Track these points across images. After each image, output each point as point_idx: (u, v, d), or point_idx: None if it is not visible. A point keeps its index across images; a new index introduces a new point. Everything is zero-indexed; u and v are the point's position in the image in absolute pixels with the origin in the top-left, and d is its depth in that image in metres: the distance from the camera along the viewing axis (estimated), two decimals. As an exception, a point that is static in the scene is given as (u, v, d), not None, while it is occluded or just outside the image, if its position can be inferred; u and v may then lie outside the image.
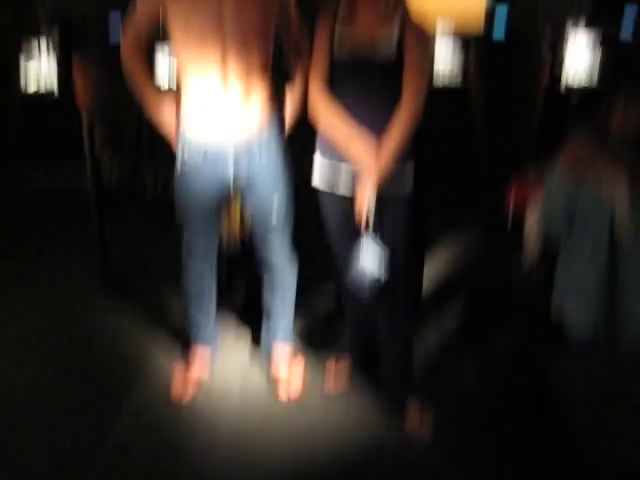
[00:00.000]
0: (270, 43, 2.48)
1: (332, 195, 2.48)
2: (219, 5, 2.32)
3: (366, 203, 2.34)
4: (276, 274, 2.75)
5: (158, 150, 2.67)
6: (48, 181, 5.85)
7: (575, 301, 2.68)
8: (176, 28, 2.37)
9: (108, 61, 2.85)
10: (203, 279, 2.76)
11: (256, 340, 3.09)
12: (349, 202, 2.42)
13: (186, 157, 2.51)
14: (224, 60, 2.36)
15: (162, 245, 3.80)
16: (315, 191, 2.55)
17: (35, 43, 6.58)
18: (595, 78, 6.55)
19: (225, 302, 3.14)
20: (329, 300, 3.54)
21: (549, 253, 2.79)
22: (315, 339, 3.18)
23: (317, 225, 2.60)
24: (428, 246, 3.36)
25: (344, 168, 2.40)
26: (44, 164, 5.99)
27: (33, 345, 3.19)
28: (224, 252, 3.15)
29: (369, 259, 2.38)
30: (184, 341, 2.98)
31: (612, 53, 6.65)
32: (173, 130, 2.56)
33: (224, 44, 2.35)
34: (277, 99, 2.59)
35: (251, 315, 3.14)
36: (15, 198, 5.59)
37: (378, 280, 2.40)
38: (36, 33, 7.15)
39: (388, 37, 2.27)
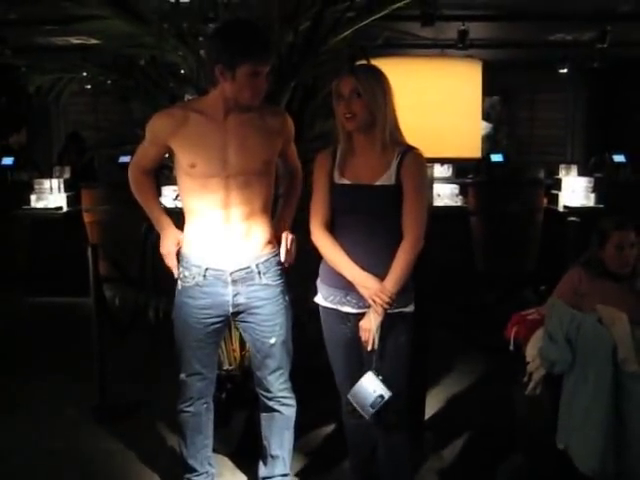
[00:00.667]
0: (272, 180, 2.59)
1: (336, 312, 2.48)
2: (223, 149, 2.43)
3: (373, 324, 2.35)
4: (274, 407, 2.71)
5: (161, 283, 2.73)
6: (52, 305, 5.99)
7: (579, 440, 2.63)
8: (181, 167, 2.49)
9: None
10: (200, 417, 2.72)
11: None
12: (354, 318, 2.44)
13: (187, 274, 2.56)
14: (227, 201, 2.45)
15: (161, 379, 3.79)
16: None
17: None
18: (592, 197, 6.71)
19: (222, 442, 3.08)
20: (328, 442, 3.47)
21: (553, 377, 2.77)
22: None
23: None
24: (429, 369, 3.34)
25: (349, 294, 2.43)
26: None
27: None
28: (223, 387, 3.13)
29: (362, 396, 2.39)
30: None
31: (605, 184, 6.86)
32: (170, 248, 2.62)
33: (227, 183, 2.44)
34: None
35: (248, 457, 3.07)
36: (19, 320, 5.73)
37: (365, 413, 2.40)
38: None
39: (387, 170, 2.35)
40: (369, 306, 2.38)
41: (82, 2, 3.04)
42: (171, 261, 2.62)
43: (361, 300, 2.40)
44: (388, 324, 2.38)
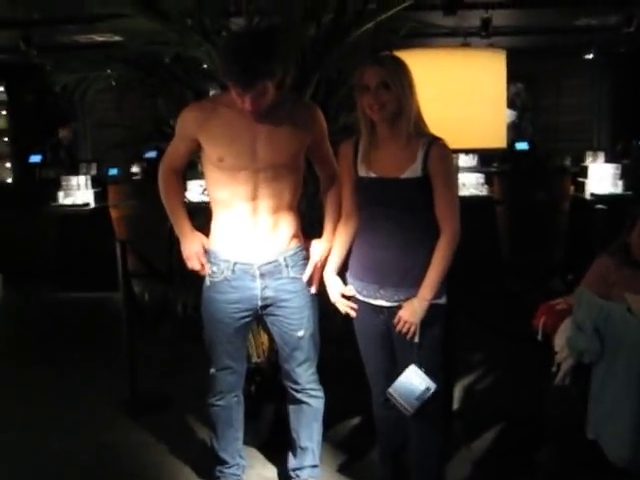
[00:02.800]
0: (300, 175, 2.60)
1: (369, 305, 2.49)
2: (252, 142, 2.44)
3: (418, 316, 2.36)
4: (303, 400, 2.73)
5: (189, 277, 2.75)
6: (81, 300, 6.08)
7: (610, 431, 2.62)
8: (209, 161, 2.50)
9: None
10: (230, 410, 2.75)
11: (283, 477, 3.01)
12: (387, 311, 2.45)
13: (215, 269, 2.58)
14: (255, 193, 2.47)
15: (191, 372, 3.84)
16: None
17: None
18: (619, 184, 6.63)
19: (252, 435, 3.11)
20: (357, 433, 3.49)
21: (582, 367, 2.76)
22: (343, 475, 3.09)
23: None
24: (458, 359, 3.35)
25: (383, 287, 2.44)
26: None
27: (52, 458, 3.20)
28: (252, 380, 3.16)
29: (407, 389, 2.38)
30: (209, 477, 2.93)
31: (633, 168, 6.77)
32: (193, 250, 2.60)
33: (255, 179, 2.46)
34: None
35: (278, 449, 3.10)
36: (50, 316, 5.84)
37: (409, 406, 2.39)
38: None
39: (413, 162, 2.34)
40: (404, 299, 2.39)
41: (106, 0, 3.07)
42: (196, 263, 2.61)
43: (395, 294, 2.40)
44: (423, 316, 2.38)
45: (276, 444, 3.12)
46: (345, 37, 3.04)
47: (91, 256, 6.32)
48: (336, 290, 2.55)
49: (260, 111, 2.37)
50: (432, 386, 2.39)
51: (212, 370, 2.69)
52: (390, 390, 2.42)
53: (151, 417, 3.73)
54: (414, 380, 2.39)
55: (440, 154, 2.34)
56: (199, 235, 2.64)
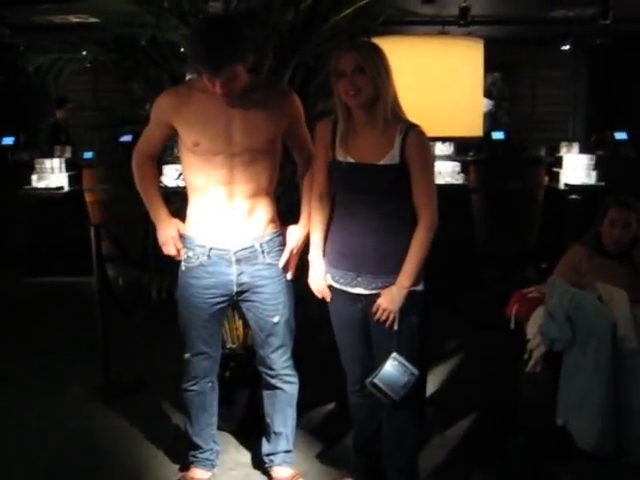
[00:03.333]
0: (276, 160, 2.59)
1: (346, 293, 2.49)
2: (227, 126, 2.43)
3: (393, 305, 2.37)
4: (277, 385, 2.73)
5: (163, 262, 2.74)
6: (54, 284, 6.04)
7: (579, 417, 2.66)
8: (185, 146, 2.49)
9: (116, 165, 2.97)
10: (204, 396, 2.75)
11: (256, 462, 3.03)
12: (365, 299, 2.45)
13: (190, 254, 2.57)
14: (230, 178, 2.46)
15: (165, 357, 3.84)
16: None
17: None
18: (593, 175, 6.70)
19: (226, 420, 3.11)
20: (331, 419, 3.51)
21: (553, 355, 2.80)
22: (317, 460, 3.11)
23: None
24: (432, 346, 3.37)
25: (361, 275, 2.44)
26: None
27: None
28: (227, 365, 3.16)
29: (392, 378, 2.39)
30: (182, 461, 2.94)
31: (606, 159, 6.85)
32: (168, 235, 2.60)
33: (231, 163, 2.45)
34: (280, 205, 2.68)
35: (252, 434, 3.11)
36: (21, 300, 5.80)
37: (395, 395, 2.41)
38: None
39: (391, 149, 2.34)
40: (382, 286, 2.39)
41: (82, -20, 3.03)
42: (171, 248, 2.61)
43: (373, 281, 2.41)
44: (402, 303, 2.39)
45: (250, 429, 3.13)
46: (323, 23, 3.03)
47: (65, 240, 6.26)
48: (319, 276, 2.53)
49: (232, 95, 2.36)
50: (415, 372, 2.42)
51: (186, 355, 2.69)
52: (375, 380, 2.41)
53: (125, 402, 3.72)
54: (398, 368, 2.40)
55: (417, 141, 2.35)
56: (175, 221, 2.63)
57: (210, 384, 2.75)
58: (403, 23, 6.72)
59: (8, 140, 7.77)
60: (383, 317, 2.39)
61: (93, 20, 5.74)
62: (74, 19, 7.17)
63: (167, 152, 3.14)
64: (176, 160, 2.71)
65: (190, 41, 2.41)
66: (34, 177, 6.76)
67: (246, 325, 3.15)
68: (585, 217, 3.46)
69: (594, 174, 6.78)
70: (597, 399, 2.59)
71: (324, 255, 2.54)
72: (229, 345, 3.27)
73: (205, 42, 2.27)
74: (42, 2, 6.27)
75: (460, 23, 7.02)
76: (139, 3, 3.01)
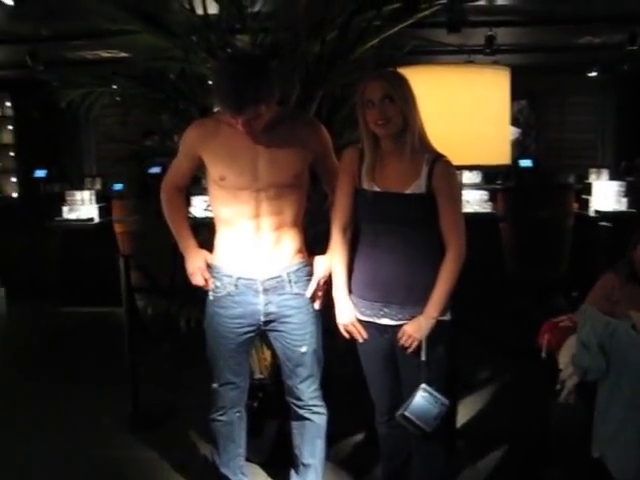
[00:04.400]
0: (303, 192, 2.59)
1: (373, 324, 2.46)
2: (253, 162, 2.44)
3: (418, 334, 2.34)
4: (305, 416, 2.71)
5: (192, 292, 2.76)
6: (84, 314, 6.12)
7: (615, 449, 2.60)
8: (212, 179, 2.51)
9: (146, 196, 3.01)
10: (232, 426, 2.74)
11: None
12: (392, 330, 2.42)
13: (218, 284, 2.58)
14: (257, 212, 2.47)
15: (193, 387, 3.83)
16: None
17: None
18: (623, 202, 6.62)
19: (254, 451, 3.09)
20: (359, 450, 3.47)
21: (586, 385, 2.74)
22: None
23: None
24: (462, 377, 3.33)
25: (388, 306, 2.42)
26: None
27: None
28: (254, 396, 3.15)
29: (424, 410, 2.36)
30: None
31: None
32: (196, 265, 2.62)
33: (257, 198, 2.46)
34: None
35: (280, 466, 3.08)
36: (52, 330, 5.87)
37: (427, 427, 2.37)
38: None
39: (417, 178, 2.33)
40: (409, 318, 2.37)
41: (113, 17, 3.09)
42: (199, 279, 2.62)
43: (400, 312, 2.39)
44: (428, 333, 2.37)
45: (278, 461, 3.10)
46: (349, 54, 3.06)
47: (95, 271, 6.32)
48: (347, 314, 2.49)
49: (254, 132, 2.38)
50: (446, 402, 2.38)
51: (214, 385, 2.68)
52: (405, 413, 2.37)
53: (153, 432, 3.72)
54: (428, 399, 2.36)
55: (444, 171, 2.34)
56: (203, 252, 2.65)
57: (238, 414, 2.74)
58: (429, 53, 6.77)
59: (40, 173, 7.92)
60: (407, 343, 2.36)
61: (123, 55, 5.84)
62: (105, 54, 7.32)
63: (195, 184, 3.17)
64: (204, 191, 2.73)
65: (214, 79, 2.44)
66: (65, 209, 6.87)
67: (274, 355, 3.13)
68: (616, 244, 3.41)
69: (624, 201, 6.70)
70: (634, 430, 2.53)
71: (350, 286, 2.51)
72: (257, 375, 3.26)
73: (228, 82, 2.29)
74: (74, 38, 6.42)
75: (486, 52, 7.03)
76: (168, 38, 3.07)
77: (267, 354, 3.23)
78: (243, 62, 2.36)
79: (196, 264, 2.62)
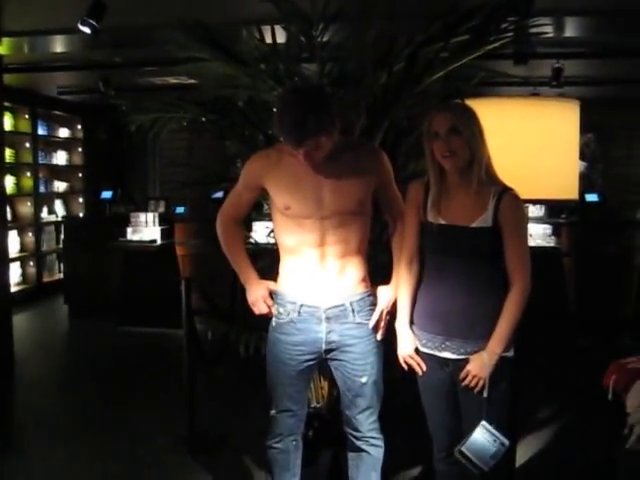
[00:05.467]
0: (367, 220, 2.59)
1: (433, 357, 2.43)
2: (317, 190, 2.46)
3: (483, 372, 2.30)
4: (362, 447, 2.67)
5: (252, 318, 2.76)
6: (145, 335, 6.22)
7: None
8: (276, 208, 2.54)
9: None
10: (288, 454, 2.71)
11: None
12: (453, 364, 2.39)
13: (281, 310, 2.58)
14: (322, 240, 2.47)
15: (251, 413, 3.84)
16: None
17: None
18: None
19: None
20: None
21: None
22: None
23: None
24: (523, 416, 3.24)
25: (449, 339, 2.38)
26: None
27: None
28: (311, 425, 3.13)
29: (481, 447, 2.31)
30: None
31: None
32: (258, 294, 2.63)
33: (322, 226, 2.46)
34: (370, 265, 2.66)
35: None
36: (113, 349, 6.00)
37: (484, 465, 2.31)
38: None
39: (484, 211, 2.31)
40: (472, 351, 2.33)
41: (183, 45, 3.17)
42: (262, 307, 2.64)
43: (462, 346, 2.35)
44: (492, 370, 2.32)
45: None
46: (416, 85, 3.05)
47: (156, 292, 6.43)
48: (408, 345, 2.48)
49: (315, 162, 2.39)
50: (506, 442, 2.32)
51: (272, 412, 2.68)
52: (463, 449, 2.33)
53: (208, 457, 3.73)
54: (487, 437, 2.31)
55: (512, 204, 2.31)
56: (264, 282, 2.66)
57: (294, 442, 2.72)
58: (495, 84, 6.72)
59: (107, 194, 8.14)
60: (472, 384, 2.32)
61: (191, 81, 5.98)
62: (173, 80, 7.50)
63: (258, 209, 3.20)
64: (266, 217, 2.76)
65: (277, 110, 2.45)
66: (129, 230, 7.02)
67: (331, 384, 3.11)
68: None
69: (694, 238, 6.48)
70: None
71: (412, 318, 2.49)
72: (313, 404, 3.24)
73: (289, 114, 2.30)
74: (144, 65, 6.60)
75: (553, 84, 6.94)
76: (236, 66, 3.13)
77: (324, 383, 3.21)
78: (303, 93, 2.38)
79: (258, 293, 2.64)
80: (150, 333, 6.40)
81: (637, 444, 2.67)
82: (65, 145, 9.43)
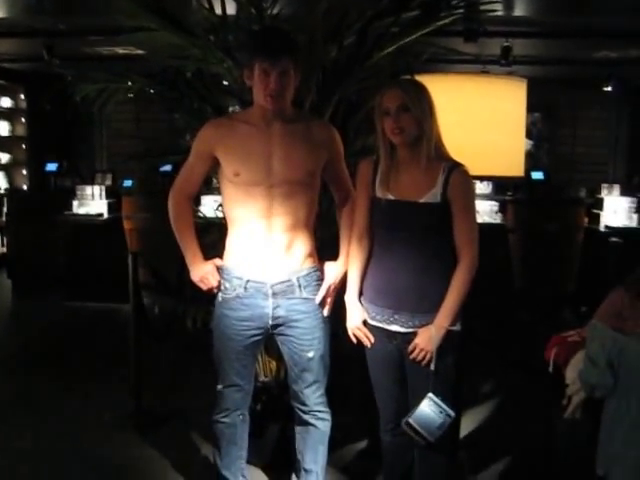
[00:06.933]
0: (316, 194, 2.59)
1: (382, 330, 2.45)
2: (268, 157, 2.45)
3: (430, 345, 2.33)
4: (309, 421, 2.69)
5: (199, 292, 2.74)
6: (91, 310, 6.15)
7: (621, 468, 2.57)
8: (225, 177, 2.51)
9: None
10: (235, 428, 2.71)
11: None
12: (401, 337, 2.41)
13: (227, 285, 2.57)
14: (269, 211, 2.47)
15: (197, 388, 3.83)
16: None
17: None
18: (634, 218, 6.60)
19: (255, 454, 3.08)
20: (362, 458, 3.45)
21: (593, 402, 2.72)
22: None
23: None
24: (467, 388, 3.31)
25: (398, 312, 2.41)
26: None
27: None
28: (258, 399, 3.14)
29: (427, 419, 2.34)
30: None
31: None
32: (203, 272, 2.60)
33: (270, 195, 2.46)
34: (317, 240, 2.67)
35: (281, 470, 3.07)
36: (58, 324, 5.88)
37: (430, 436, 2.35)
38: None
39: (433, 187, 2.33)
40: (420, 325, 2.36)
41: (131, 14, 3.09)
42: (207, 284, 2.60)
43: (411, 319, 2.38)
44: (439, 343, 2.35)
45: (280, 465, 3.09)
46: (366, 60, 3.05)
47: (102, 266, 6.33)
48: (357, 318, 2.50)
49: (281, 98, 2.39)
50: (451, 413, 2.37)
51: (219, 386, 2.67)
52: (410, 420, 2.36)
53: (155, 432, 3.71)
54: (433, 409, 2.35)
55: (461, 180, 2.34)
56: (205, 265, 2.61)
57: (241, 417, 2.73)
58: (445, 61, 6.76)
59: (52, 166, 7.94)
60: (420, 357, 2.36)
61: (139, 52, 5.85)
62: (121, 50, 7.34)
63: (206, 183, 3.17)
64: (215, 191, 2.73)
65: (250, 41, 2.55)
66: (75, 203, 6.88)
67: (279, 359, 3.12)
68: (626, 260, 3.39)
69: (635, 217, 6.68)
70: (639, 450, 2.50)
71: (362, 291, 2.51)
72: (261, 378, 3.25)
73: (264, 35, 2.53)
74: (90, 34, 6.43)
75: (502, 62, 7.01)
76: (186, 36, 3.07)
77: (272, 358, 3.22)
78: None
79: (203, 270, 2.60)
80: (97, 308, 6.31)
81: (574, 414, 2.75)
82: (7, 115, 9.14)
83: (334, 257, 2.63)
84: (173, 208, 2.64)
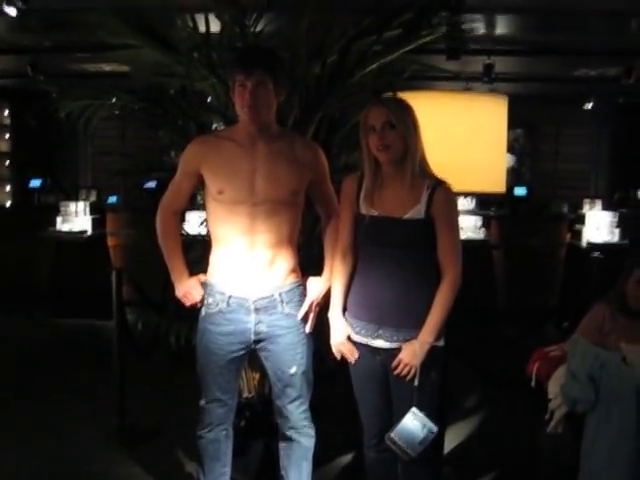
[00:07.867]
0: (299, 212, 2.60)
1: (366, 346, 2.46)
2: (251, 175, 2.46)
3: (415, 361, 2.34)
4: (293, 437, 2.68)
5: (183, 309, 2.75)
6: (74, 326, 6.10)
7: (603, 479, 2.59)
8: (210, 194, 2.53)
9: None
10: (219, 444, 2.70)
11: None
12: (385, 353, 2.42)
13: (210, 301, 2.57)
14: (252, 228, 2.47)
15: (181, 404, 3.81)
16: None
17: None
18: (616, 233, 6.66)
19: (239, 470, 3.06)
20: (346, 474, 3.45)
21: (575, 416, 2.74)
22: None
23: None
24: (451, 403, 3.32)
25: (382, 327, 2.42)
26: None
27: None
28: (242, 415, 3.13)
29: (410, 434, 2.35)
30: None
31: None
32: (187, 287, 2.62)
33: (253, 213, 2.47)
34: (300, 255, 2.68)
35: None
36: (41, 341, 5.84)
37: (412, 451, 2.36)
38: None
39: (417, 203, 2.35)
40: (404, 340, 2.37)
41: (116, 31, 3.11)
42: (190, 299, 2.62)
43: (395, 334, 2.39)
44: (423, 359, 2.36)
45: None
46: (349, 78, 3.08)
47: (87, 283, 6.30)
48: (341, 334, 2.50)
49: (258, 111, 2.41)
50: (434, 429, 2.37)
51: (202, 402, 2.66)
52: (392, 435, 2.37)
53: (138, 448, 3.69)
54: (416, 424, 2.36)
55: (445, 197, 2.36)
56: (190, 282, 2.62)
57: (224, 432, 2.71)
58: (427, 78, 6.83)
59: (35, 182, 7.93)
60: (404, 372, 2.36)
61: (124, 69, 5.87)
62: (106, 67, 7.35)
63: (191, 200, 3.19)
64: (200, 207, 2.74)
65: (231, 56, 2.64)
66: (59, 219, 6.86)
67: (263, 375, 3.12)
68: (608, 275, 3.42)
69: (617, 232, 6.74)
70: (622, 463, 2.52)
71: (346, 307, 2.52)
72: (245, 395, 3.24)
73: (242, 50, 2.61)
74: (76, 50, 6.44)
75: (484, 80, 7.10)
76: (170, 54, 3.09)
77: (256, 373, 3.21)
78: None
79: (186, 287, 2.61)
80: (81, 325, 6.26)
81: (557, 428, 2.77)
82: (-9, 131, 9.15)
83: (319, 274, 2.64)
84: (161, 225, 2.65)
